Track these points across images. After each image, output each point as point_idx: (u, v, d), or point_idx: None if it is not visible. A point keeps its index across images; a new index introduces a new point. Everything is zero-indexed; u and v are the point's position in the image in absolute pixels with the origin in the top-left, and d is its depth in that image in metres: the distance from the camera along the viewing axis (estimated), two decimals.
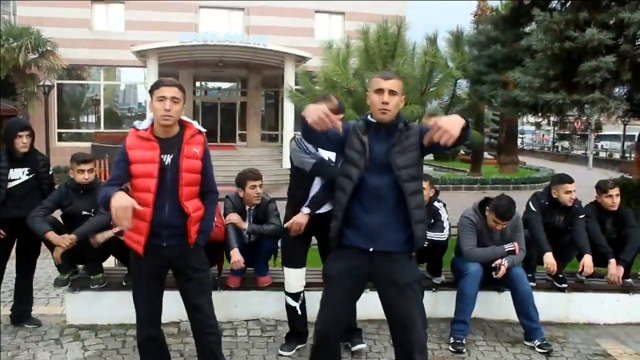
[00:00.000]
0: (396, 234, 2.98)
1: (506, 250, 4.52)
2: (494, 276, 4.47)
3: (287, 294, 4.15)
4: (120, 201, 2.85)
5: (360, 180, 2.98)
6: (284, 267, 4.14)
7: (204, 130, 3.29)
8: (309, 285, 4.24)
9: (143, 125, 3.20)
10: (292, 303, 4.14)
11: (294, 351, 4.19)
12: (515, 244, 4.55)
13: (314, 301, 4.34)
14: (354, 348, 4.19)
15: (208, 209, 3.34)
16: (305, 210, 3.86)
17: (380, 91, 2.96)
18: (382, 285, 3.08)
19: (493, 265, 4.48)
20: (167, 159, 3.13)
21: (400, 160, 2.95)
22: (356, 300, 3.23)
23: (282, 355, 4.16)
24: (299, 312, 4.16)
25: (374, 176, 2.97)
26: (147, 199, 3.09)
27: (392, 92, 2.95)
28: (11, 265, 4.64)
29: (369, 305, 4.84)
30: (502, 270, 4.44)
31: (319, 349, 3.17)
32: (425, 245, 4.54)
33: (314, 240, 4.16)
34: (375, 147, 3.00)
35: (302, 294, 4.16)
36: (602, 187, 5.08)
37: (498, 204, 4.45)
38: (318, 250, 4.20)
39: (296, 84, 15.53)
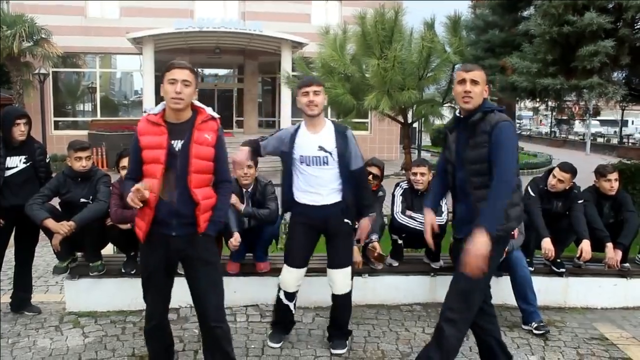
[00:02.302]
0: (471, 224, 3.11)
1: None
2: None
3: (282, 291, 3.99)
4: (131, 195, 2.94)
5: (453, 174, 3.33)
6: (285, 264, 3.96)
7: (217, 116, 3.20)
8: (309, 271, 4.22)
9: (155, 109, 3.14)
10: (285, 301, 3.99)
11: (281, 343, 4.10)
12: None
13: (311, 287, 4.38)
14: (334, 351, 4.04)
15: (221, 198, 3.23)
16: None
17: (462, 82, 3.17)
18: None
19: None
20: (178, 144, 3.05)
21: (471, 155, 3.17)
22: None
23: (271, 347, 4.07)
24: (292, 310, 4.06)
25: (460, 169, 3.26)
26: (152, 186, 3.01)
27: (474, 82, 3.15)
28: (10, 254, 4.64)
29: (367, 291, 4.91)
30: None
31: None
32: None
33: None
34: (460, 141, 3.27)
35: (296, 293, 4.02)
36: (601, 172, 5.10)
37: None
38: (327, 250, 4.01)
39: (293, 70, 15.47)
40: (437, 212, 4.58)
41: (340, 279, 3.91)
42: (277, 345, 4.07)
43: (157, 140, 3.05)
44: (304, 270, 3.95)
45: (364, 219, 3.94)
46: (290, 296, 3.99)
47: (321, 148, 3.73)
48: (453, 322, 3.14)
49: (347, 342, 4.11)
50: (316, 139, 3.76)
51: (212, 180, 3.21)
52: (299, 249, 3.92)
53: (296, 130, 3.84)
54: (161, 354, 3.45)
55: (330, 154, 3.73)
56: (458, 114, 3.31)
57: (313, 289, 4.21)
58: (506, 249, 4.47)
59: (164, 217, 3.07)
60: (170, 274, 3.27)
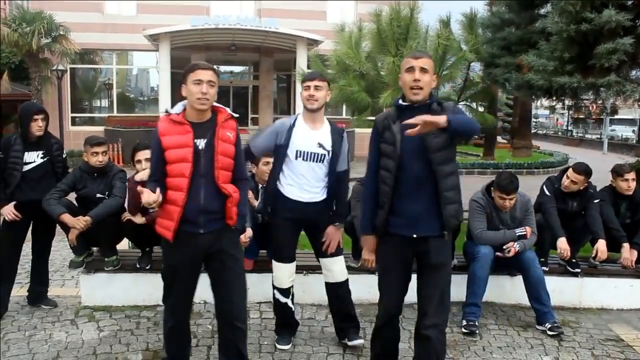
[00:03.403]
0: (436, 219, 3.05)
1: (517, 234, 4.51)
2: (503, 255, 4.48)
3: (277, 289, 3.96)
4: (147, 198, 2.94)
5: (398, 171, 3.03)
6: (273, 261, 3.95)
7: (236, 115, 3.22)
8: (311, 269, 4.20)
9: (175, 109, 3.14)
10: (283, 299, 3.96)
11: (291, 344, 4.08)
12: (527, 228, 4.54)
13: (316, 284, 4.37)
14: (351, 343, 4.03)
15: (243, 194, 3.25)
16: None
17: (411, 69, 2.99)
18: (419, 265, 3.21)
19: (504, 247, 4.48)
20: (201, 143, 3.06)
21: (435, 143, 2.96)
22: (409, 282, 3.30)
23: (281, 349, 4.03)
24: (291, 308, 4.03)
25: (411, 163, 3.01)
26: (180, 184, 3.02)
27: (423, 70, 2.98)
28: (27, 248, 4.70)
29: (376, 289, 4.89)
30: (512, 251, 4.45)
31: (383, 328, 3.36)
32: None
33: None
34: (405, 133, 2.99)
35: (291, 288, 3.99)
36: (618, 171, 5.05)
37: (499, 180, 4.48)
38: (308, 240, 4.05)
39: (308, 67, 15.45)
40: None
41: (339, 267, 3.96)
42: (287, 347, 4.05)
43: (182, 139, 3.05)
44: (294, 264, 3.97)
45: (332, 227, 3.85)
46: (286, 292, 3.97)
47: (320, 145, 3.75)
48: (435, 326, 3.08)
49: (360, 334, 4.09)
50: (316, 135, 3.77)
51: (232, 178, 3.21)
52: (288, 245, 3.92)
53: (294, 123, 3.80)
54: (179, 355, 3.40)
55: (328, 152, 3.76)
56: (402, 103, 3.09)
57: (312, 286, 4.21)
58: (517, 250, 4.46)
59: (190, 215, 3.06)
60: (196, 273, 3.23)
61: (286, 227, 3.85)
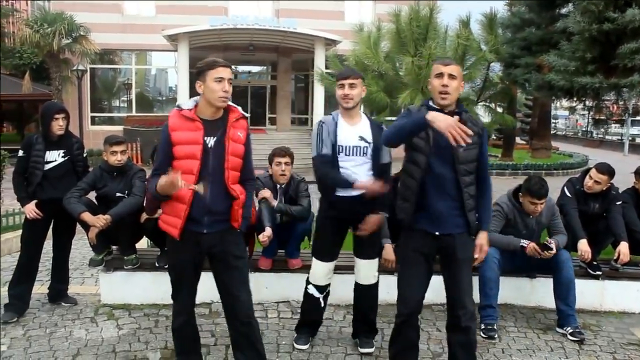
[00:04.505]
0: (458, 218, 3.19)
1: (520, 245, 4.43)
2: (547, 252, 4.40)
3: (313, 284, 3.97)
4: (165, 180, 2.90)
5: (427, 166, 3.14)
6: (313, 257, 3.95)
7: (247, 115, 3.21)
8: (341, 269, 4.19)
9: (187, 105, 3.13)
10: (316, 294, 3.96)
11: (309, 344, 4.08)
12: (531, 243, 4.42)
13: (344, 285, 4.36)
14: (361, 350, 4.01)
15: (249, 195, 3.25)
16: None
17: (440, 75, 3.10)
18: (445, 261, 3.32)
19: (550, 246, 4.41)
20: (210, 141, 3.04)
21: (462, 155, 3.11)
22: (429, 278, 3.37)
23: (298, 349, 4.03)
24: (322, 304, 4.02)
25: (438, 163, 3.13)
26: (188, 182, 2.98)
27: (451, 76, 3.09)
28: (48, 246, 4.75)
29: (395, 291, 4.87)
30: (553, 250, 4.38)
31: (403, 326, 3.37)
32: None
33: None
34: (439, 134, 3.03)
35: (328, 287, 4.00)
36: None
37: (529, 185, 4.39)
38: (352, 238, 3.99)
39: (326, 67, 15.46)
40: None
41: (366, 268, 3.93)
42: (305, 347, 4.05)
43: (192, 136, 3.04)
44: (334, 263, 3.96)
45: (372, 215, 3.76)
46: (321, 289, 3.97)
47: (362, 138, 3.74)
48: (472, 316, 3.27)
49: (373, 341, 4.07)
50: (356, 130, 3.76)
51: (240, 178, 3.20)
52: (330, 244, 3.92)
53: (336, 122, 3.79)
54: (190, 349, 3.42)
55: (370, 144, 3.74)
56: (432, 105, 3.16)
57: (345, 286, 4.19)
58: (557, 245, 4.38)
59: (195, 214, 3.06)
60: (198, 271, 3.27)
61: (331, 225, 3.86)
